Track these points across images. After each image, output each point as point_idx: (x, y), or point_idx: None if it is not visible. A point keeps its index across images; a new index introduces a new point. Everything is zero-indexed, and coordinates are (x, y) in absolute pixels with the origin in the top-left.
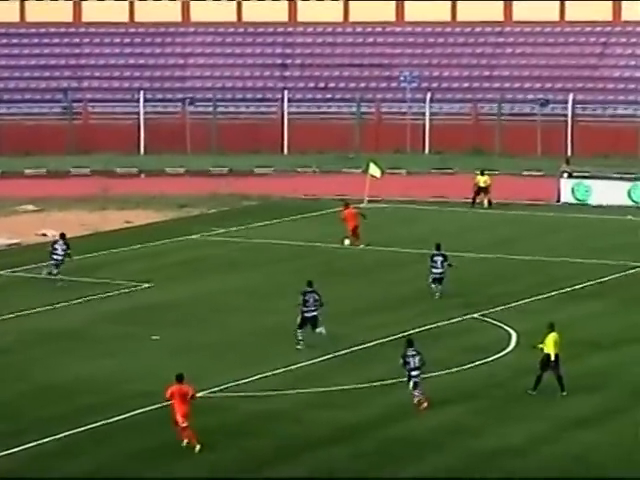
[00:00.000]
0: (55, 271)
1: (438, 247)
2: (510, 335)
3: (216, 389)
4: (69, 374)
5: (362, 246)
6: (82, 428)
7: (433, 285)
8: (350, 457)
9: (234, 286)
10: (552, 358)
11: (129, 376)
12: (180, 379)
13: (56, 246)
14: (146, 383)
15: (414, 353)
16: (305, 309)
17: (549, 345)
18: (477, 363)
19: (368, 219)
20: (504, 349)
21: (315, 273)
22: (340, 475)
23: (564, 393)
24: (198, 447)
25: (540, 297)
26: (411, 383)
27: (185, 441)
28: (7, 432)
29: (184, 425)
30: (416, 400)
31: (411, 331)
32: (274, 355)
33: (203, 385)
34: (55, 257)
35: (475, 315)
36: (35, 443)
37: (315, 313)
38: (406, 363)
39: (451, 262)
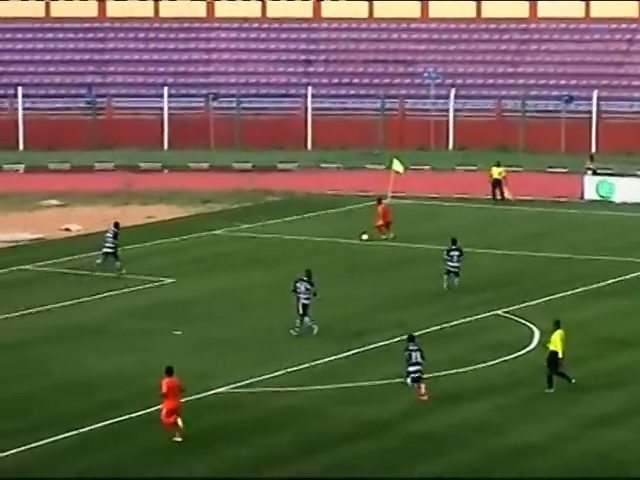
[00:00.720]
0: (118, 263)
1: (454, 242)
2: (533, 332)
3: (238, 384)
4: (91, 369)
5: (392, 235)
6: (103, 423)
7: (446, 276)
8: (372, 453)
9: (257, 282)
10: (560, 355)
11: (151, 371)
12: (170, 372)
13: (108, 234)
14: None
15: (415, 348)
16: (299, 296)
17: (555, 342)
18: (500, 360)
19: (391, 216)
20: (527, 346)
21: (338, 269)
22: (361, 471)
23: (551, 390)
24: (180, 438)
25: (563, 294)
26: (409, 379)
27: (178, 439)
28: (29, 426)
29: (168, 421)
30: (422, 392)
31: (434, 328)
32: (295, 351)
33: (225, 380)
34: (106, 246)
35: (498, 312)
36: (57, 437)
37: (307, 302)
38: (409, 357)
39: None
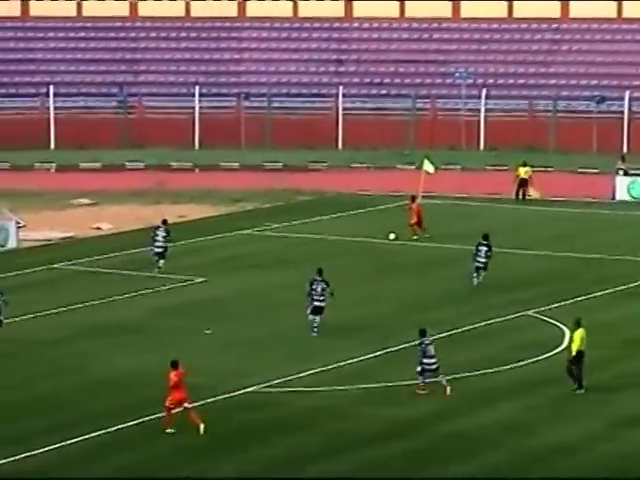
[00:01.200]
0: (160, 262)
1: (485, 237)
2: (564, 332)
3: (267, 384)
4: (123, 367)
5: (427, 235)
6: (135, 421)
7: (475, 274)
8: (401, 454)
9: (287, 281)
10: (573, 353)
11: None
12: (175, 365)
13: (157, 232)
14: (198, 377)
15: (429, 342)
16: (314, 298)
17: (576, 341)
18: (531, 360)
19: (424, 215)
20: (558, 346)
21: (367, 269)
22: (390, 471)
23: (582, 390)
24: (170, 429)
25: (595, 295)
26: (419, 371)
27: (170, 430)
28: (61, 424)
29: (177, 410)
30: (444, 382)
31: (464, 328)
32: (324, 351)
33: (254, 380)
34: (156, 245)
35: (529, 312)
36: (88, 435)
37: (323, 304)
38: (423, 352)
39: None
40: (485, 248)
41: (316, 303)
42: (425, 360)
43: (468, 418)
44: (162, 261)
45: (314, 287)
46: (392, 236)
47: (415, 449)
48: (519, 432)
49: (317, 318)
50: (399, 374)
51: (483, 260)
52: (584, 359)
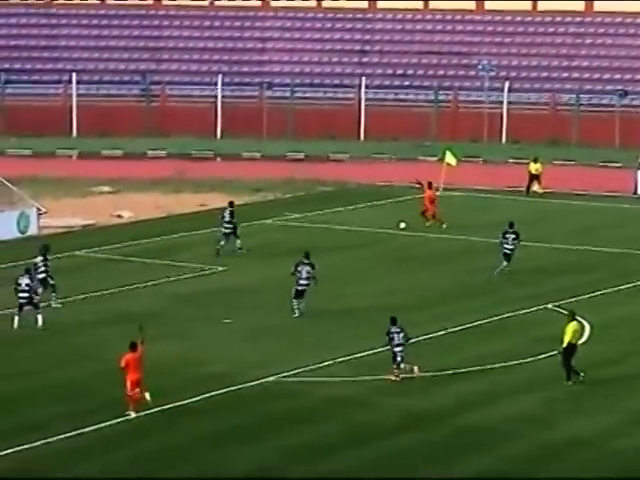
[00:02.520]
0: (238, 242)
1: (511, 225)
2: (583, 326)
3: (288, 373)
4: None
5: (444, 225)
6: (153, 410)
7: (505, 262)
8: (421, 444)
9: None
10: (564, 345)
11: (201, 359)
12: (134, 347)
13: (224, 214)
14: (217, 366)
15: (398, 330)
16: (299, 282)
17: (569, 334)
18: (550, 354)
19: (443, 207)
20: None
21: (388, 260)
22: (410, 462)
23: (570, 383)
24: (133, 414)
25: (614, 289)
26: (398, 358)
27: (133, 414)
28: (80, 411)
29: (133, 394)
30: (404, 369)
31: (484, 320)
32: (346, 340)
33: (275, 369)
34: (225, 227)
35: (549, 305)
36: (107, 423)
37: (306, 287)
38: (391, 339)
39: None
40: (513, 235)
41: (299, 288)
42: (395, 349)
43: (487, 410)
44: (238, 240)
45: (299, 269)
46: (402, 225)
47: (434, 441)
48: (537, 425)
49: (300, 302)
50: (419, 365)
51: (510, 247)
52: (575, 352)
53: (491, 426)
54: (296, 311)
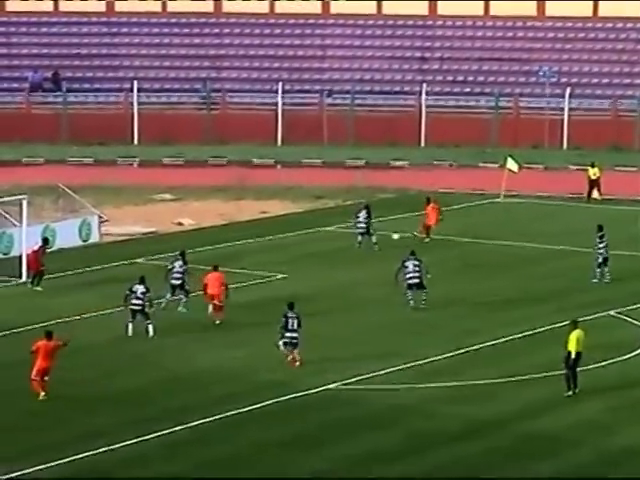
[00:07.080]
0: (374, 237)
1: (600, 228)
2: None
3: (347, 381)
4: (201, 363)
5: (427, 240)
6: (213, 417)
7: (598, 269)
8: (482, 452)
9: (367, 278)
10: (572, 355)
11: (260, 366)
12: (49, 336)
13: (359, 215)
14: (277, 373)
15: (294, 315)
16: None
17: (572, 342)
18: (612, 361)
19: (506, 214)
20: (639, 348)
21: (450, 267)
22: (470, 470)
23: (575, 391)
24: (42, 395)
25: None
26: (281, 342)
27: (42, 394)
28: (140, 418)
29: (36, 379)
30: (290, 358)
31: (546, 327)
32: (405, 348)
33: (334, 377)
34: (359, 227)
35: (611, 312)
36: (168, 431)
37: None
38: (286, 324)
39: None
40: (605, 241)
41: (410, 282)
42: (287, 334)
43: (549, 417)
44: (374, 237)
45: (406, 264)
46: (396, 236)
47: (495, 448)
48: (599, 432)
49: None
50: (481, 373)
51: (601, 252)
52: (579, 361)
53: (553, 433)
54: (411, 302)
